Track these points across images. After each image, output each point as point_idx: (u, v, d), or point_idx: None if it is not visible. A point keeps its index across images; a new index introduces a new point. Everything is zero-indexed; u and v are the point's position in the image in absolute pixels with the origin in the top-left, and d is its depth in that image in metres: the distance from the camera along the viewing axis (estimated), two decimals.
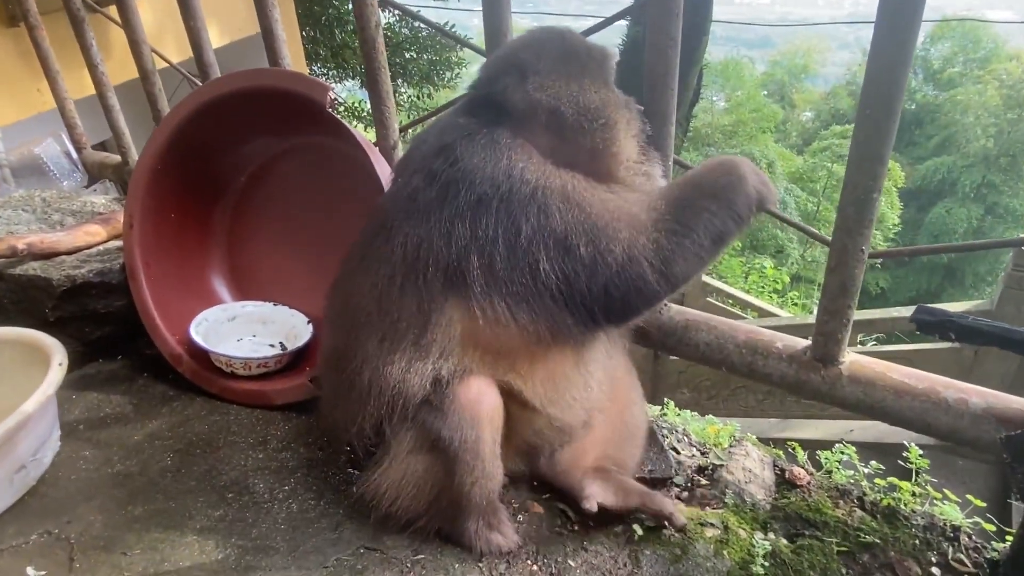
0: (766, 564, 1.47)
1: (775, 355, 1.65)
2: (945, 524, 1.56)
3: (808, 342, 1.63)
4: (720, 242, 1.34)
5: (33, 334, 1.86)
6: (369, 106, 2.07)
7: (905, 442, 1.83)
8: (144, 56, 2.61)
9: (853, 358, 1.59)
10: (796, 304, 14.16)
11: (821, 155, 21.28)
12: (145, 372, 2.17)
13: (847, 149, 1.46)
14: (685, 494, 1.72)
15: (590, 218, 1.28)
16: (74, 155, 3.27)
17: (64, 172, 3.22)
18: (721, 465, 1.77)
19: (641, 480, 1.68)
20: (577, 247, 1.27)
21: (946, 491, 1.71)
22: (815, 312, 1.63)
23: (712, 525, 1.57)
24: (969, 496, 1.74)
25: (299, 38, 7.54)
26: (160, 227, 2.15)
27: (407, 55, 12.13)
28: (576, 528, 1.58)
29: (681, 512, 1.60)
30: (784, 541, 1.55)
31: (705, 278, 8.40)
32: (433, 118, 1.70)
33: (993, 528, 1.61)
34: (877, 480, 1.77)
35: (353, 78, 12.04)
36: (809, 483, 1.71)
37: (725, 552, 1.50)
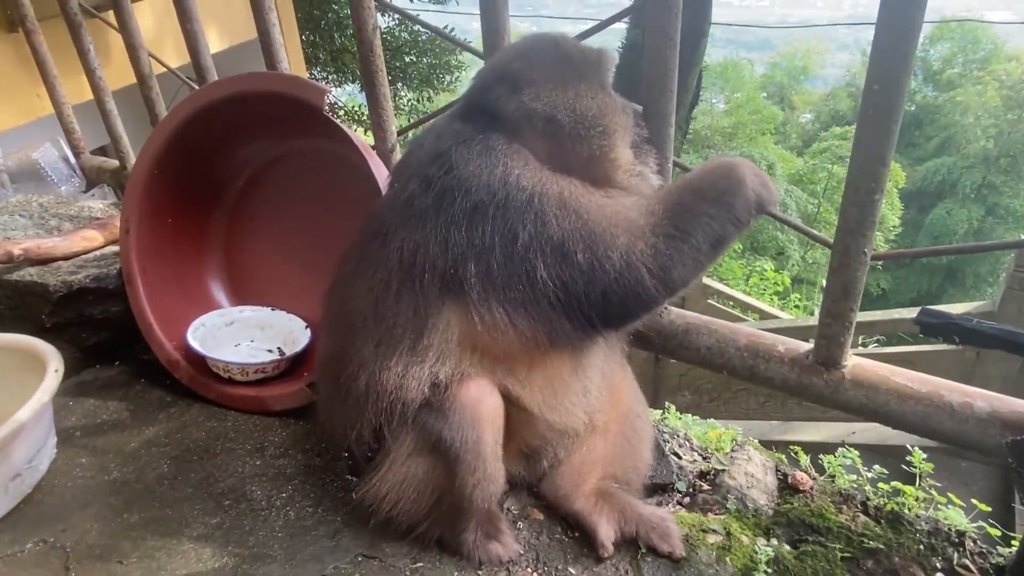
0: (769, 571, 1.45)
1: (777, 359, 1.64)
2: (950, 529, 1.54)
3: (810, 345, 1.61)
4: (719, 246, 1.33)
5: (29, 340, 1.84)
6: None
7: (908, 445, 1.81)
8: (142, 60, 2.61)
9: (856, 361, 1.57)
10: (797, 306, 14.13)
11: (821, 156, 21.27)
12: (142, 378, 2.15)
13: (847, 150, 1.45)
14: (687, 500, 1.70)
15: (587, 224, 1.27)
16: (72, 160, 3.26)
17: (62, 177, 3.21)
18: (723, 470, 1.75)
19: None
20: (574, 254, 1.26)
21: (951, 495, 1.70)
22: (816, 313, 1.62)
23: (714, 531, 1.55)
24: (974, 500, 1.72)
25: (299, 42, 7.55)
26: (157, 231, 2.13)
27: (407, 59, 12.16)
28: (577, 535, 1.56)
29: (682, 519, 1.59)
30: (787, 547, 1.53)
31: (706, 280, 8.39)
32: (430, 122, 1.69)
33: (998, 533, 1.59)
34: (880, 484, 1.75)
35: (353, 82, 12.07)
36: (812, 488, 1.69)
37: (727, 559, 1.48)
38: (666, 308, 1.77)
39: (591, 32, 1.75)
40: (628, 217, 1.31)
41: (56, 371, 1.72)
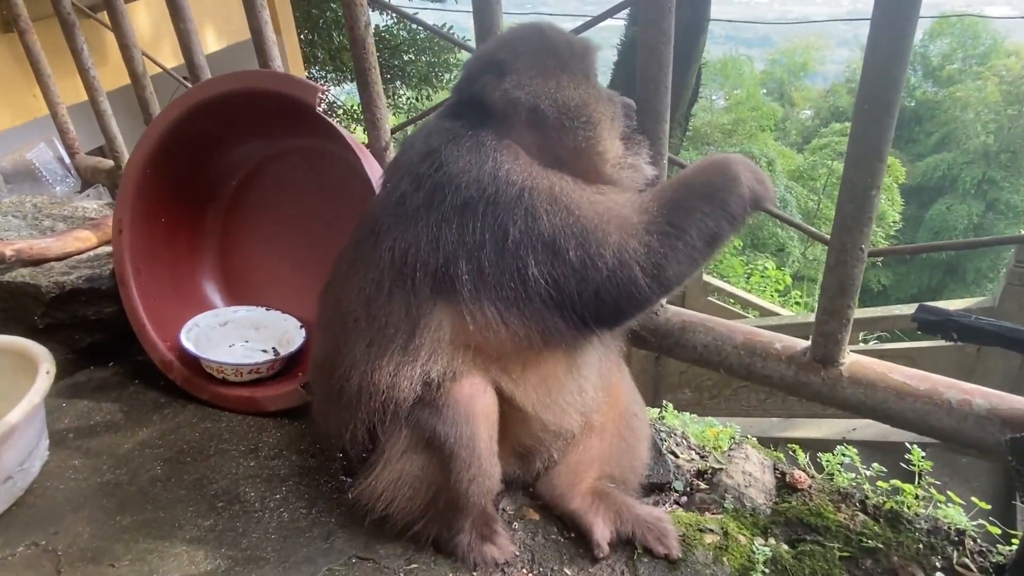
0: (766, 571, 1.44)
1: (774, 356, 1.62)
2: (949, 528, 1.52)
3: (808, 343, 1.60)
4: (714, 243, 1.31)
5: (21, 342, 1.83)
6: None
7: (907, 443, 1.80)
8: (135, 60, 2.59)
9: (854, 359, 1.56)
10: (798, 303, 14.13)
11: (821, 153, 21.24)
12: (136, 379, 2.14)
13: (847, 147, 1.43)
14: (684, 499, 1.69)
15: (579, 221, 1.26)
16: (67, 160, 3.25)
17: (57, 177, 3.20)
18: (721, 469, 1.74)
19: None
20: (566, 251, 1.25)
21: (950, 493, 1.68)
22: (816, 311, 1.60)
23: (711, 531, 1.54)
24: (974, 498, 1.71)
25: (296, 41, 7.52)
26: (150, 231, 2.12)
27: (405, 57, 12.14)
28: (572, 535, 1.55)
29: (679, 518, 1.57)
30: (785, 547, 1.52)
31: (706, 278, 8.38)
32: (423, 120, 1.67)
33: (998, 531, 1.58)
34: (880, 482, 1.74)
35: (351, 81, 12.03)
36: (810, 486, 1.67)
37: (724, 559, 1.47)
38: (662, 306, 1.76)
39: (584, 28, 1.74)
40: (621, 214, 1.29)
41: (48, 372, 1.71)
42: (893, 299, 19.62)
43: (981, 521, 1.59)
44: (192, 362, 2.03)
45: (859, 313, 6.52)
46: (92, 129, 3.06)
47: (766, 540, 1.53)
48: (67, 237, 2.28)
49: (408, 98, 12.78)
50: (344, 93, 14.24)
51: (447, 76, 12.47)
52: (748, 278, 14.56)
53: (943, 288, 21.25)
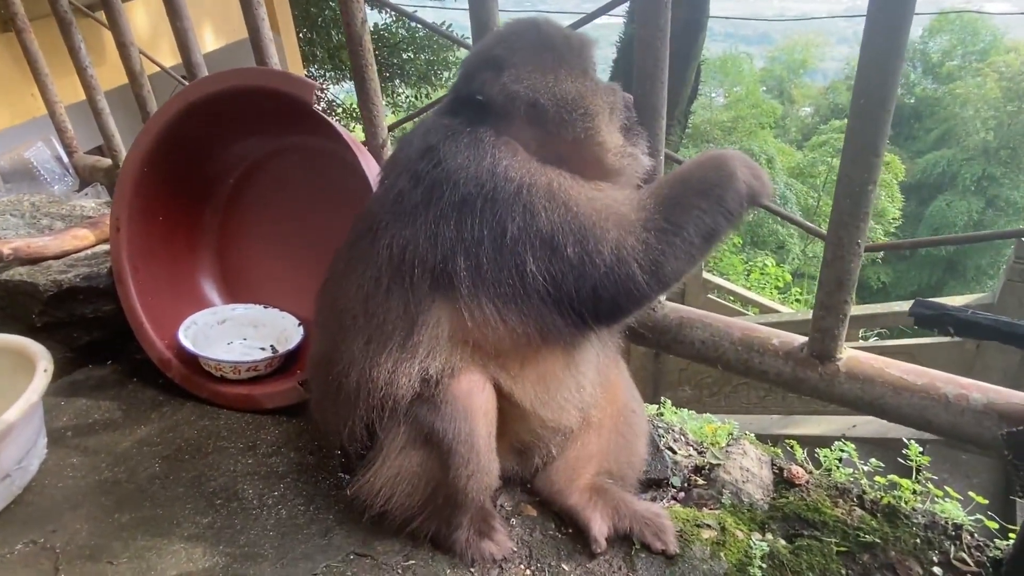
0: (764, 566, 1.44)
1: (771, 352, 1.62)
2: (947, 522, 1.52)
3: (805, 339, 1.60)
4: (711, 239, 1.31)
5: (19, 340, 1.83)
6: None
7: (904, 439, 1.80)
8: (132, 58, 2.59)
9: (851, 354, 1.56)
10: (799, 300, 14.13)
11: (821, 150, 21.21)
12: (135, 377, 2.14)
13: None
14: (681, 495, 1.69)
15: (577, 218, 1.26)
16: (65, 159, 3.25)
17: (55, 176, 3.20)
18: (718, 464, 1.74)
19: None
20: (564, 247, 1.25)
21: (948, 488, 1.68)
22: None
23: (709, 526, 1.54)
24: (971, 493, 1.71)
25: (295, 39, 7.51)
26: (148, 229, 2.12)
27: (404, 55, 12.13)
28: (570, 531, 1.55)
29: (677, 514, 1.57)
30: (782, 542, 1.52)
31: (706, 275, 8.38)
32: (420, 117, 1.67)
33: (996, 526, 1.58)
34: (877, 478, 1.74)
35: (350, 79, 12.00)
36: (808, 482, 1.68)
37: (722, 554, 1.47)
38: (660, 302, 1.76)
39: (580, 24, 1.74)
40: (619, 212, 1.29)
41: (45, 371, 1.71)
42: (893, 295, 19.61)
43: (979, 516, 1.59)
44: (190, 360, 2.03)
45: (859, 309, 6.53)
46: (90, 128, 3.06)
47: (763, 535, 1.53)
48: (65, 235, 2.28)
49: (407, 96, 12.78)
50: (343, 91, 14.23)
51: (446, 74, 12.47)
52: (748, 275, 14.56)
53: (943, 285, 21.23)
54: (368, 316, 1.37)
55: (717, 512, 1.60)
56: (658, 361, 6.95)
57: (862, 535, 1.49)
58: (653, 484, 1.71)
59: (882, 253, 18.57)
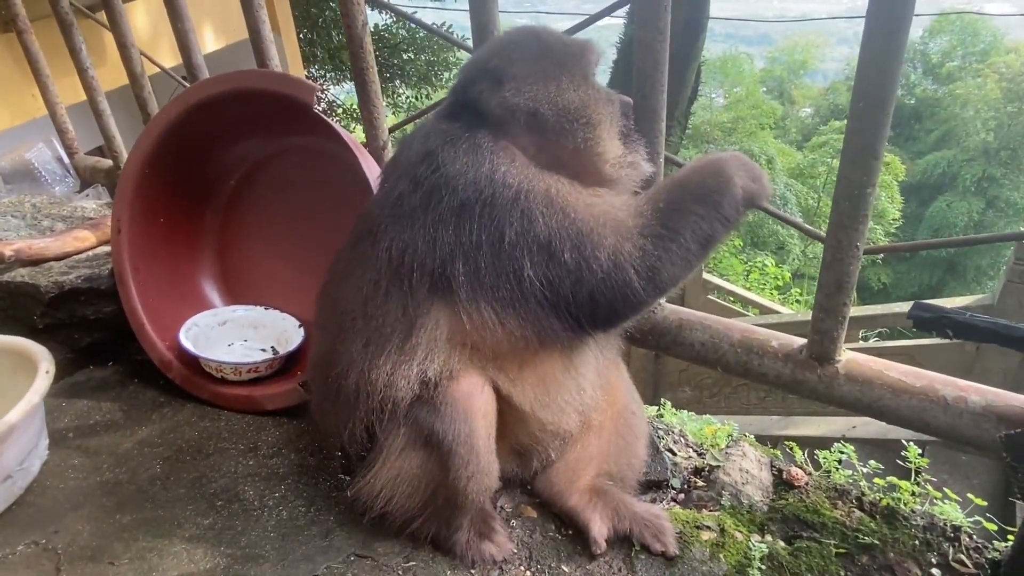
0: (763, 567, 1.44)
1: (771, 354, 1.63)
2: (945, 524, 1.53)
3: (804, 341, 1.60)
4: (708, 245, 1.32)
5: (20, 341, 1.83)
6: None
7: (904, 440, 1.80)
8: (133, 59, 2.59)
9: (850, 356, 1.56)
10: (799, 301, 14.12)
11: (821, 151, 21.23)
12: (136, 378, 2.15)
13: None
14: (681, 496, 1.69)
15: (574, 224, 1.26)
16: (66, 160, 3.25)
17: (56, 177, 3.21)
18: (718, 466, 1.74)
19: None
20: (561, 253, 1.25)
21: (946, 490, 1.69)
22: None
23: (708, 528, 1.55)
24: (970, 495, 1.71)
25: (295, 40, 7.52)
26: (149, 231, 2.12)
27: (404, 56, 12.13)
28: (570, 533, 1.55)
29: (676, 515, 1.58)
30: (781, 543, 1.52)
31: (706, 276, 8.38)
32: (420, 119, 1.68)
33: (995, 527, 1.58)
34: (876, 479, 1.74)
35: (351, 80, 11.99)
36: (807, 483, 1.68)
37: (721, 555, 1.47)
38: (659, 304, 1.76)
39: (581, 26, 1.74)
40: (616, 217, 1.30)
41: (47, 372, 1.71)
42: (893, 297, 19.62)
43: (978, 518, 1.60)
44: (191, 361, 2.03)
45: (859, 310, 6.53)
46: (91, 129, 3.07)
47: (763, 537, 1.54)
48: (66, 237, 2.28)
49: (407, 97, 12.78)
50: (343, 92, 14.23)
51: (446, 75, 12.47)
52: (747, 276, 14.55)
53: (943, 286, 21.24)
54: (367, 318, 1.37)
55: (717, 514, 1.60)
56: (658, 362, 6.95)
57: (861, 536, 1.50)
58: (653, 486, 1.71)
59: (882, 254, 18.58)
